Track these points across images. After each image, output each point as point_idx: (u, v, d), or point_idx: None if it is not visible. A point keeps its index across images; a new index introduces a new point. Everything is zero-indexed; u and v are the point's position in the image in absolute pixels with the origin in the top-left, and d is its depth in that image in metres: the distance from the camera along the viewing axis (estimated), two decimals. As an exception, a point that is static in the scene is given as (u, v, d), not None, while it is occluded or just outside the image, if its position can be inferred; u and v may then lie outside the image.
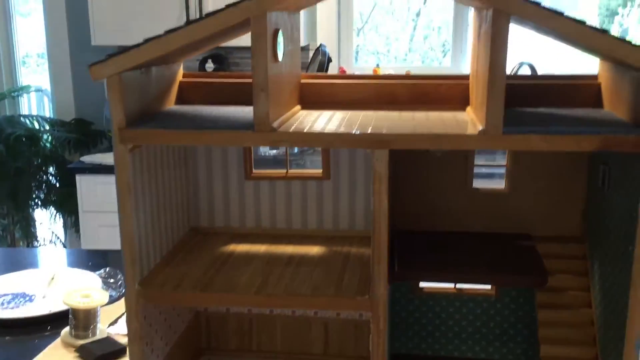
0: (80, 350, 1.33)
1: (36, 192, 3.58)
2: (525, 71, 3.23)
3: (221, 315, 1.28)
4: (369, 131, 0.90)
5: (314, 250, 1.15)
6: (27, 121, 3.70)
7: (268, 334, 1.28)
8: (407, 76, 1.15)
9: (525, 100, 1.08)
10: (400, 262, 1.03)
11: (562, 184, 1.14)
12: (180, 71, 1.15)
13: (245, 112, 1.01)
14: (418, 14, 3.87)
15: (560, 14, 0.82)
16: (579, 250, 1.12)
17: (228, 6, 0.87)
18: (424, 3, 3.83)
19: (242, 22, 0.88)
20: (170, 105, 1.11)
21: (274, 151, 2.64)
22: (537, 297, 1.08)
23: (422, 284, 1.22)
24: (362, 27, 3.94)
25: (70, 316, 1.39)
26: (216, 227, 1.24)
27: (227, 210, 1.23)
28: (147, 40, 0.89)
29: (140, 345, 1.00)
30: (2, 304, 1.55)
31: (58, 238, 3.78)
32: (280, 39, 0.95)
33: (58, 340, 1.39)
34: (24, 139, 3.49)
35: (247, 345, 1.29)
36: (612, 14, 3.49)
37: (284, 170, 1.21)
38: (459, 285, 1.21)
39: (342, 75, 1.22)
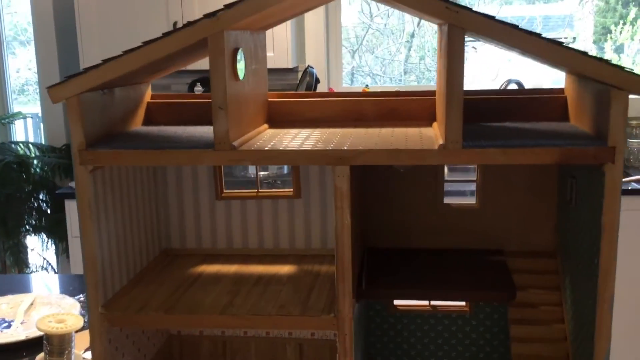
0: (53, 376, 1.31)
1: (27, 219, 3.57)
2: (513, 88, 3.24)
3: (194, 338, 1.26)
4: (330, 147, 0.90)
5: (284, 269, 1.14)
6: (19, 148, 3.71)
7: (242, 356, 1.26)
8: (375, 93, 1.15)
9: (492, 116, 1.07)
10: (367, 279, 1.02)
11: (533, 199, 1.14)
12: (148, 92, 1.15)
13: (209, 131, 1.00)
14: (412, 36, 3.91)
15: (515, 26, 0.82)
16: (552, 265, 1.11)
17: (185, 25, 0.87)
18: (417, 25, 3.87)
19: (201, 42, 0.88)
20: (137, 126, 1.11)
21: (264, 172, 2.64)
22: (509, 313, 1.06)
23: (397, 302, 1.21)
24: (357, 49, 3.97)
25: (44, 342, 1.37)
26: (188, 249, 1.23)
27: (198, 231, 1.22)
28: (105, 61, 0.89)
29: (105, 370, 0.99)
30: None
31: (50, 264, 3.76)
32: (241, 57, 0.95)
33: (32, 366, 1.37)
34: (14, 166, 3.49)
35: (222, 369, 1.27)
36: (607, 31, 3.52)
37: (255, 190, 1.21)
38: (433, 303, 1.20)
39: (309, 93, 1.22)
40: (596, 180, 0.88)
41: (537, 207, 1.14)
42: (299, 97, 1.15)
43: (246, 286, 1.06)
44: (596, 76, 0.83)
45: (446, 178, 1.15)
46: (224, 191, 1.21)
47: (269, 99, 1.14)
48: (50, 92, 0.90)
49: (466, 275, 1.04)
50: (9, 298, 1.71)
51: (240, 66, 0.94)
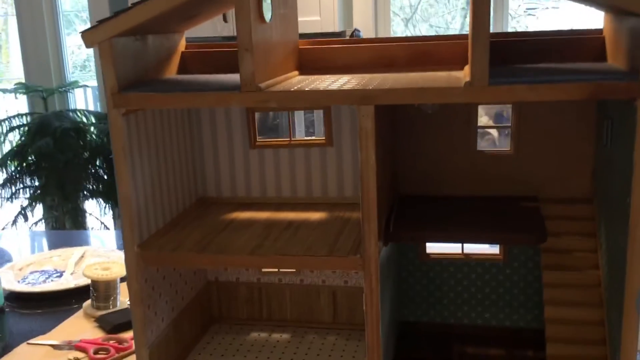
0: (99, 320, 1.37)
1: (85, 184, 3.71)
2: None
3: (231, 284, 1.30)
4: (355, 87, 0.90)
5: (315, 216, 1.15)
6: (76, 115, 3.84)
7: (278, 302, 1.29)
8: (406, 38, 1.14)
9: (526, 58, 1.05)
10: (395, 222, 1.02)
11: (570, 143, 1.11)
12: (182, 42, 1.17)
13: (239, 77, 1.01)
14: (468, 3, 3.82)
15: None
16: (587, 211, 1.09)
17: (209, -33, 0.88)
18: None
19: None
20: (171, 74, 1.13)
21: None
22: (542, 259, 1.05)
23: (429, 250, 1.21)
24: (411, 18, 3.91)
25: (91, 288, 1.44)
26: (223, 197, 1.26)
27: (233, 180, 1.25)
28: (135, 4, 0.91)
29: (142, 307, 1.03)
30: (37, 279, 1.62)
31: (107, 228, 3.90)
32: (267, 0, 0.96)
33: (80, 311, 1.44)
34: (72, 133, 3.62)
35: (258, 314, 1.30)
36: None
37: (287, 139, 1.22)
38: (466, 250, 1.20)
39: (341, 40, 1.22)
40: (630, 118, 0.85)
41: (574, 152, 1.11)
42: (329, 44, 1.15)
43: (276, 231, 1.08)
44: (631, 7, 0.80)
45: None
46: (257, 140, 1.22)
47: (300, 46, 1.14)
48: (84, 36, 0.93)
49: (496, 219, 1.03)
50: (61, 251, 1.79)
51: (267, 7, 0.95)
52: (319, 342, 1.22)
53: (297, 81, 1.01)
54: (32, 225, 3.77)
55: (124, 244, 1.01)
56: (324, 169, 1.21)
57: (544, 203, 1.11)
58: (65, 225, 3.73)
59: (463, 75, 0.99)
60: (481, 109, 1.14)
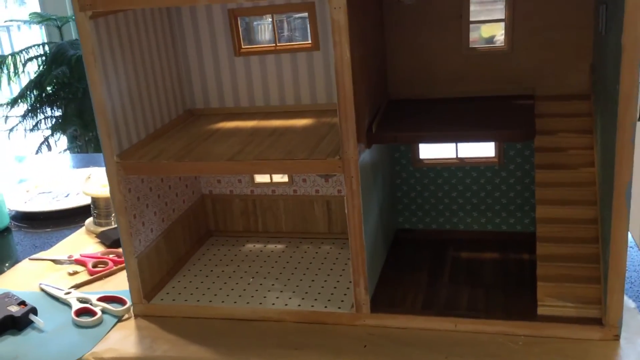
0: (100, 235, 1.39)
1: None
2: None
3: (225, 196, 1.29)
4: (325, -22, 0.84)
5: (302, 122, 1.12)
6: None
7: (272, 214, 1.28)
8: None
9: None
10: (379, 123, 0.98)
11: (567, 37, 1.04)
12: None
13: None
14: None
15: None
16: (585, 107, 1.03)
17: None
18: None
19: None
20: (146, -21, 1.08)
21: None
22: (536, 158, 1.00)
23: (422, 156, 1.17)
24: None
25: (91, 206, 1.45)
26: (211, 108, 1.23)
27: (220, 90, 1.21)
28: None
29: (126, 217, 1.02)
30: (47, 198, 1.65)
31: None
32: None
33: (83, 229, 1.45)
34: (88, 61, 3.59)
35: (254, 227, 1.30)
36: None
37: (273, 45, 1.17)
38: (460, 155, 1.16)
39: None
40: (621, 1, 0.79)
41: (572, 45, 1.04)
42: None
43: (259, 138, 1.05)
44: None
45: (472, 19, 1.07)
46: (242, 47, 1.18)
47: (279, -57, 1.08)
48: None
49: (483, 118, 0.98)
50: (72, 171, 1.81)
51: None
52: (313, 251, 1.22)
53: (272, -22, 0.96)
54: (57, 154, 3.82)
55: (103, 153, 1.00)
56: (312, 75, 1.17)
57: (540, 101, 1.05)
58: (89, 152, 3.77)
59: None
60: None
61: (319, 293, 1.06)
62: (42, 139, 3.75)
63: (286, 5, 1.13)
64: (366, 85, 0.97)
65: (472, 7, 1.06)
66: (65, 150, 3.84)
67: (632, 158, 0.81)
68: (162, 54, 1.13)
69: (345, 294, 1.05)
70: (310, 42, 1.15)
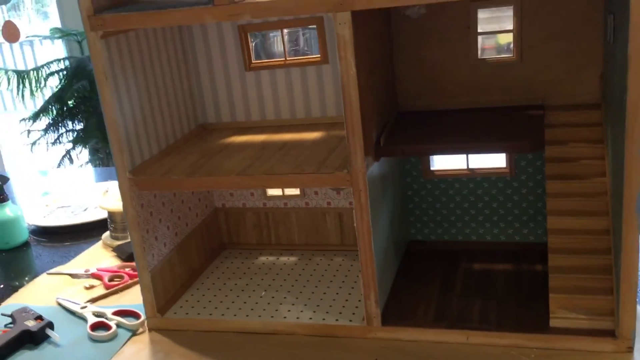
0: (116, 249, 1.40)
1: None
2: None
3: (238, 210, 1.30)
4: (330, -6, 0.85)
5: (312, 135, 1.12)
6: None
7: (285, 227, 1.29)
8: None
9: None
10: (386, 137, 0.98)
11: (577, 46, 1.04)
12: (168, -37, 1.14)
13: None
14: None
15: None
16: (596, 116, 1.02)
17: None
18: None
19: None
20: (156, -3, 1.10)
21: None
22: (547, 169, 1.00)
23: (433, 167, 1.17)
24: None
25: (108, 220, 1.47)
26: (223, 123, 1.24)
27: (231, 104, 1.23)
28: None
29: (139, 232, 1.04)
30: (65, 213, 1.67)
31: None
32: None
33: (99, 242, 1.47)
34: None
35: (267, 239, 1.30)
36: None
37: (282, 59, 1.18)
38: (471, 165, 1.15)
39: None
40: (627, 9, 0.78)
41: (582, 54, 1.03)
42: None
43: (269, 152, 1.06)
44: None
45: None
46: (252, 61, 1.19)
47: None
48: (53, -41, 0.91)
49: (491, 129, 0.98)
50: (91, 186, 1.84)
51: None
52: (325, 264, 1.22)
53: (280, -6, 0.97)
54: (78, 167, 3.87)
55: (116, 169, 1.01)
56: (322, 88, 1.17)
57: (551, 111, 1.05)
58: (110, 166, 3.82)
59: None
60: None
61: (331, 306, 1.07)
62: (64, 152, 3.81)
63: (295, 20, 1.14)
64: (374, 98, 0.97)
65: (481, 15, 1.06)
66: (87, 163, 3.90)
67: (641, 169, 0.80)
68: (173, 70, 1.15)
69: (357, 307, 1.05)
70: (319, 55, 1.16)
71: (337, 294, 1.10)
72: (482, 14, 1.06)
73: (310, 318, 1.03)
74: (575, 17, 1.02)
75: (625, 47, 0.78)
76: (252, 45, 1.20)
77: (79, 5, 0.93)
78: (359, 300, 1.07)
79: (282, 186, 1.01)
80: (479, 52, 1.08)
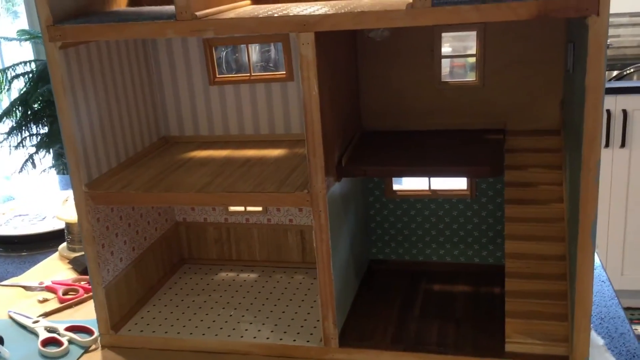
0: (72, 261, 1.37)
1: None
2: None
3: (199, 224, 1.28)
4: (292, 14, 0.85)
5: (275, 153, 1.12)
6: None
7: (246, 242, 1.27)
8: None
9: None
10: (349, 157, 0.98)
11: (538, 72, 1.05)
12: (133, -26, 1.12)
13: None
14: None
15: None
16: (555, 142, 1.04)
17: None
18: None
19: None
20: (120, 6, 1.09)
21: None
22: (505, 193, 1.00)
23: (396, 187, 1.17)
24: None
25: (65, 231, 1.44)
26: (186, 136, 1.23)
27: (195, 118, 1.21)
28: None
29: (94, 247, 1.02)
30: (22, 221, 1.63)
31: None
32: None
33: (56, 254, 1.44)
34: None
35: (227, 255, 1.29)
36: None
37: (247, 75, 1.17)
38: (433, 187, 1.16)
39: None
40: (584, 38, 0.79)
41: (542, 81, 1.05)
42: (285, -29, 1.09)
43: (231, 168, 1.05)
44: None
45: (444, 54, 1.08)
46: (217, 76, 1.18)
47: (254, -25, 1.09)
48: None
49: (452, 153, 0.98)
50: (50, 194, 1.80)
51: None
52: (286, 281, 1.21)
53: (244, 10, 0.96)
54: (41, 172, 3.80)
55: (72, 182, 0.99)
56: (286, 105, 1.17)
57: (511, 135, 1.06)
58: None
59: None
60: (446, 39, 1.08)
61: (289, 325, 1.06)
62: (27, 157, 3.73)
63: (261, 36, 1.13)
64: (336, 118, 0.97)
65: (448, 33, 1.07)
66: (50, 167, 3.82)
67: (597, 197, 0.81)
68: (136, 82, 1.13)
69: (315, 327, 1.04)
70: (284, 72, 1.15)
71: (296, 313, 1.09)
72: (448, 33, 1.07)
73: (268, 338, 1.02)
74: (538, 44, 1.03)
75: (583, 76, 0.79)
76: (222, 54, 1.19)
77: (37, 15, 0.91)
78: (318, 320, 1.06)
79: (242, 204, 1.01)
80: (448, 70, 1.09)
